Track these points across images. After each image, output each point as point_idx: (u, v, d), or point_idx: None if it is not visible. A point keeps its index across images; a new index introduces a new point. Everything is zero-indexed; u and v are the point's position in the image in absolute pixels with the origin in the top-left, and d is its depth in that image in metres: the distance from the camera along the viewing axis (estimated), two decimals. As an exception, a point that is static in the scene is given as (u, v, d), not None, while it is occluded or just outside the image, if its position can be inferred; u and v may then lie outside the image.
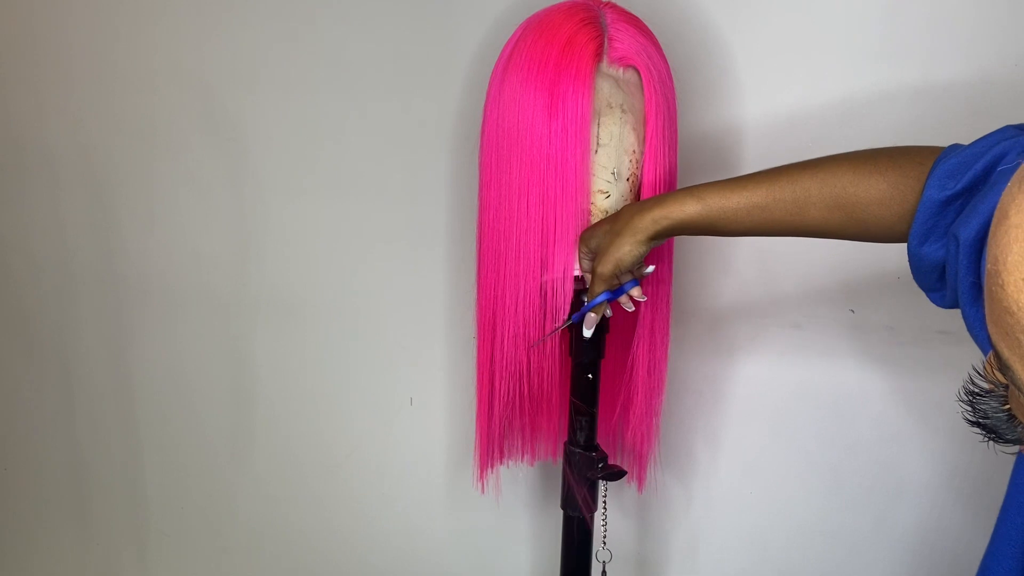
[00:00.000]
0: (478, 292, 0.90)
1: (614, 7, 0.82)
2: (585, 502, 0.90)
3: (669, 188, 0.85)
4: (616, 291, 0.79)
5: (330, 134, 1.11)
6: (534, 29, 0.80)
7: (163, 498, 1.34)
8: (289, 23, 1.09)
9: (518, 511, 1.19)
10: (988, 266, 0.30)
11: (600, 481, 0.90)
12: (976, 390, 0.34)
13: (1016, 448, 0.35)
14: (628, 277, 0.79)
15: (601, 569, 0.95)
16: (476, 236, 0.89)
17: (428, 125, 1.07)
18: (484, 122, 0.85)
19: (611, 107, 0.79)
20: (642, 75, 0.80)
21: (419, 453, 1.20)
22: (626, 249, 0.74)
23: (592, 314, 0.81)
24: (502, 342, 0.87)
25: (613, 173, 0.80)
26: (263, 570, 1.32)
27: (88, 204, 1.24)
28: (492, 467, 0.96)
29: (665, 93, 0.82)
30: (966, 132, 0.94)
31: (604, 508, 0.93)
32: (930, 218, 0.61)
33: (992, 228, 0.30)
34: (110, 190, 1.22)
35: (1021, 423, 0.31)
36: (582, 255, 0.81)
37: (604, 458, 0.88)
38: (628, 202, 0.82)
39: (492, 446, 0.95)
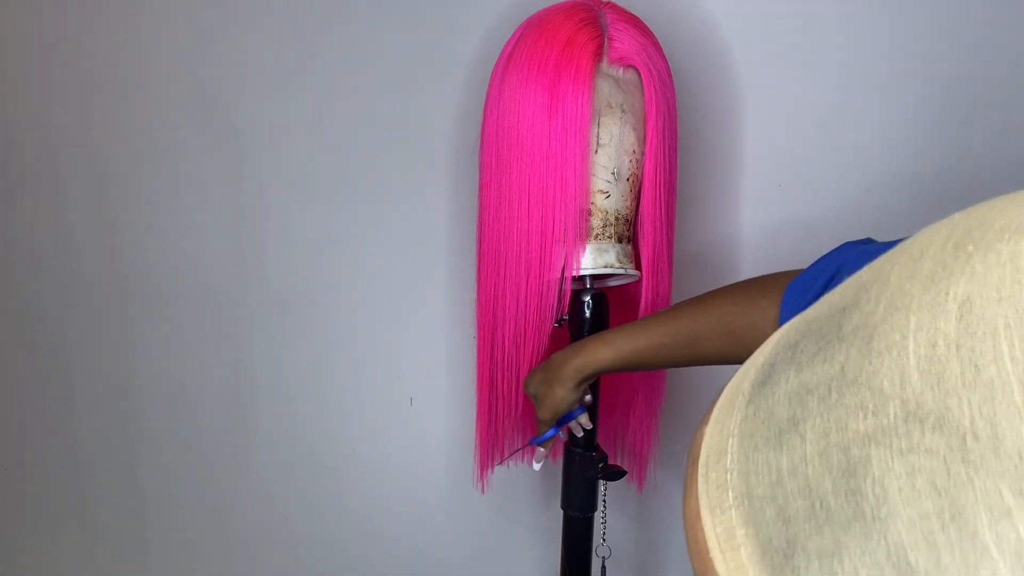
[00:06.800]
0: (478, 292, 0.90)
1: (614, 7, 0.82)
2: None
3: (670, 188, 0.85)
4: (562, 421, 0.85)
5: (330, 134, 1.11)
6: (534, 29, 0.80)
7: (163, 498, 1.33)
8: (289, 24, 1.09)
9: (518, 511, 1.19)
10: None
11: (600, 481, 0.90)
12: None
13: None
14: (575, 406, 0.84)
15: (600, 565, 0.95)
16: (476, 236, 0.89)
17: (428, 125, 1.07)
18: (484, 122, 0.85)
19: (611, 107, 0.79)
20: (642, 75, 0.80)
21: (419, 453, 1.20)
22: (559, 396, 0.80)
23: (541, 449, 0.87)
24: (502, 342, 0.87)
25: (613, 173, 0.80)
26: (263, 570, 1.32)
27: (88, 204, 1.24)
28: (492, 467, 0.96)
29: (665, 93, 0.82)
30: (966, 132, 0.94)
31: (604, 506, 0.93)
32: None
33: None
34: (110, 190, 1.22)
35: None
36: (530, 396, 0.86)
37: (604, 458, 0.88)
38: (628, 202, 0.83)
39: (492, 446, 0.95)
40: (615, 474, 0.87)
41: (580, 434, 0.87)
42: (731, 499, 0.23)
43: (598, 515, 0.93)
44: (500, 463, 0.94)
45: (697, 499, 0.25)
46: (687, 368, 1.06)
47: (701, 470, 0.25)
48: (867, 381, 0.20)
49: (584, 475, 0.88)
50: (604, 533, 0.94)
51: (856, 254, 0.61)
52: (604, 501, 0.93)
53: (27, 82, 1.22)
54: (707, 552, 0.24)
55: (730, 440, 0.24)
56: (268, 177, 1.15)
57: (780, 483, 0.21)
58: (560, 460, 0.93)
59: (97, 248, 1.25)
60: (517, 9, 1.00)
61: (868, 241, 0.65)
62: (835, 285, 0.59)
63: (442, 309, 1.13)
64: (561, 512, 0.93)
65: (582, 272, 0.82)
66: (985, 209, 0.22)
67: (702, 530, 0.24)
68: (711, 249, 1.03)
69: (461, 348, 1.13)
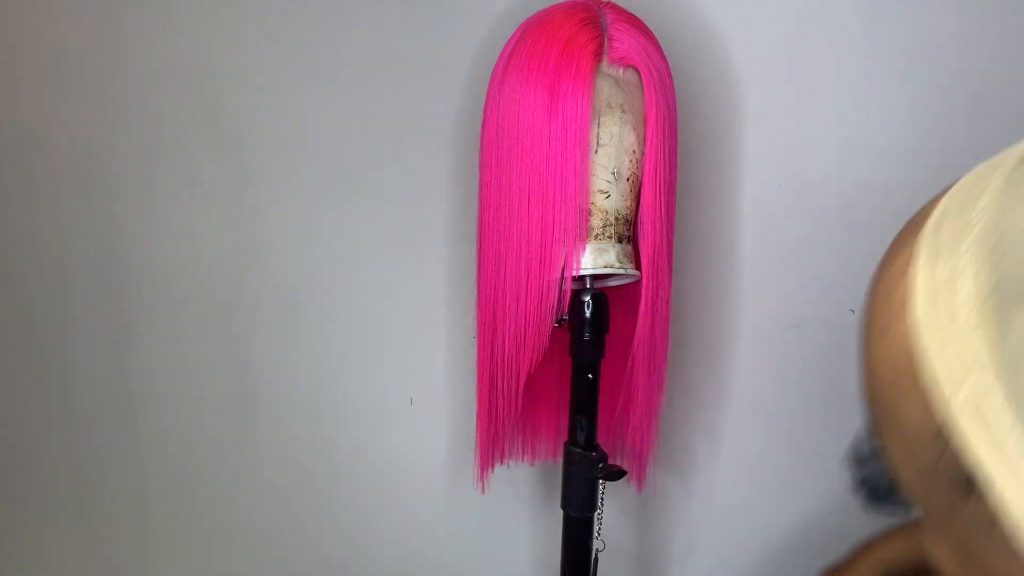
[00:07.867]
0: (478, 292, 0.90)
1: (614, 7, 0.82)
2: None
3: (670, 188, 0.85)
4: None
5: (330, 134, 1.11)
6: (534, 29, 0.80)
7: (163, 498, 1.33)
8: (289, 23, 1.09)
9: (518, 511, 1.19)
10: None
11: (600, 481, 0.90)
12: (865, 453, 0.33)
13: (893, 515, 0.33)
14: None
15: (593, 557, 0.94)
16: (476, 236, 0.89)
17: (428, 125, 1.07)
18: (484, 122, 0.85)
19: (611, 107, 0.79)
20: (642, 75, 0.80)
21: (419, 453, 1.20)
22: None
23: None
24: (502, 342, 0.87)
25: (613, 173, 0.80)
26: (263, 570, 1.32)
27: (88, 204, 1.24)
28: (492, 467, 0.96)
29: (665, 93, 0.82)
30: (966, 133, 0.94)
31: (601, 503, 0.93)
32: None
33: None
34: (110, 190, 1.22)
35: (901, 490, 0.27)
36: None
37: (604, 458, 0.88)
38: (628, 202, 0.82)
39: (492, 446, 0.95)
40: (615, 474, 0.87)
41: None
42: (968, 242, 0.23)
43: (597, 513, 0.93)
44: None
45: (909, 256, 0.26)
46: (687, 368, 1.07)
47: (929, 227, 0.26)
48: None
49: (584, 475, 0.88)
50: (599, 528, 0.94)
51: None
52: (602, 499, 0.93)
53: (27, 82, 1.22)
54: (906, 304, 0.25)
55: (984, 194, 0.24)
56: (267, 177, 1.15)
57: None
58: (560, 460, 0.93)
59: (97, 248, 1.25)
60: (517, 9, 1.00)
61: None
62: None
63: (442, 309, 1.13)
64: (561, 512, 0.93)
65: (582, 272, 0.82)
66: None
67: (911, 281, 0.25)
68: (711, 249, 1.03)
69: (461, 348, 1.13)
